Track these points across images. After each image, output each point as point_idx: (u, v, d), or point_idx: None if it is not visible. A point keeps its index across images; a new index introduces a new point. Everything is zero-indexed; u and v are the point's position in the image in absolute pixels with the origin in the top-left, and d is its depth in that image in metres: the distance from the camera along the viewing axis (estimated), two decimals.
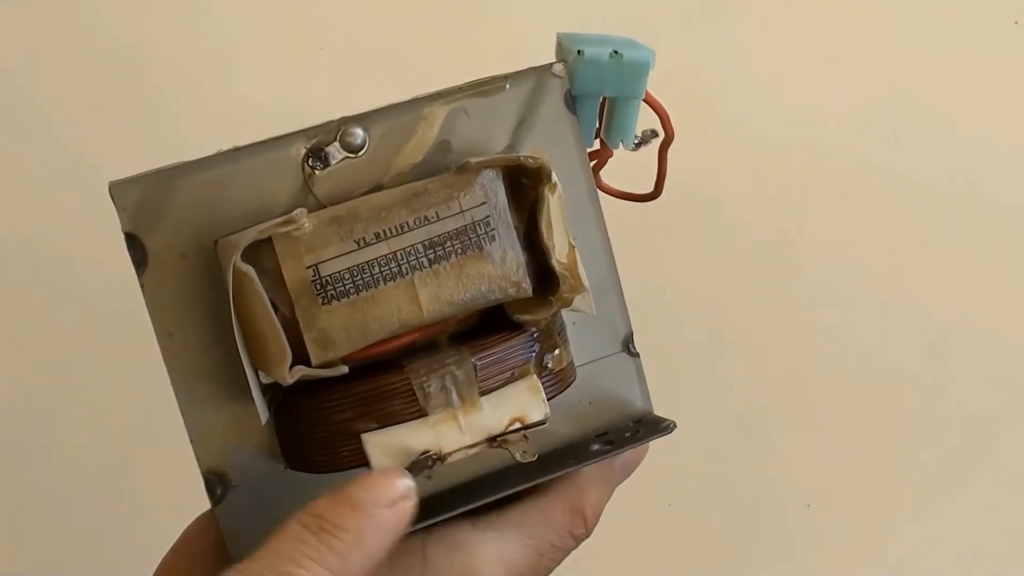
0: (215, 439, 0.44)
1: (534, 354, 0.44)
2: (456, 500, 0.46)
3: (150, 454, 0.77)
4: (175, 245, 0.43)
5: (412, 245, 0.43)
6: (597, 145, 0.48)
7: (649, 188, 0.50)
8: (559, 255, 0.44)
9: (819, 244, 0.87)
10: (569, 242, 0.44)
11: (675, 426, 0.48)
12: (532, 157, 0.44)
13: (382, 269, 0.42)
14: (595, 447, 0.47)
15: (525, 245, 0.44)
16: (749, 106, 0.87)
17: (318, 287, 0.42)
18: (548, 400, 0.44)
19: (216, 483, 0.44)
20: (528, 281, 0.44)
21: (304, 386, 0.42)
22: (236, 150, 0.44)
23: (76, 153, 0.86)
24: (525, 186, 0.44)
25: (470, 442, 0.43)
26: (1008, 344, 0.86)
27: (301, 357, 0.42)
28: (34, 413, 0.84)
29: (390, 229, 0.42)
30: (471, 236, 0.43)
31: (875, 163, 0.87)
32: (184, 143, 0.85)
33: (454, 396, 0.43)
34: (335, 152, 0.44)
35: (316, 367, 0.42)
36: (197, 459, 0.44)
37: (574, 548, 0.47)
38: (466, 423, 0.43)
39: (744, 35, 0.88)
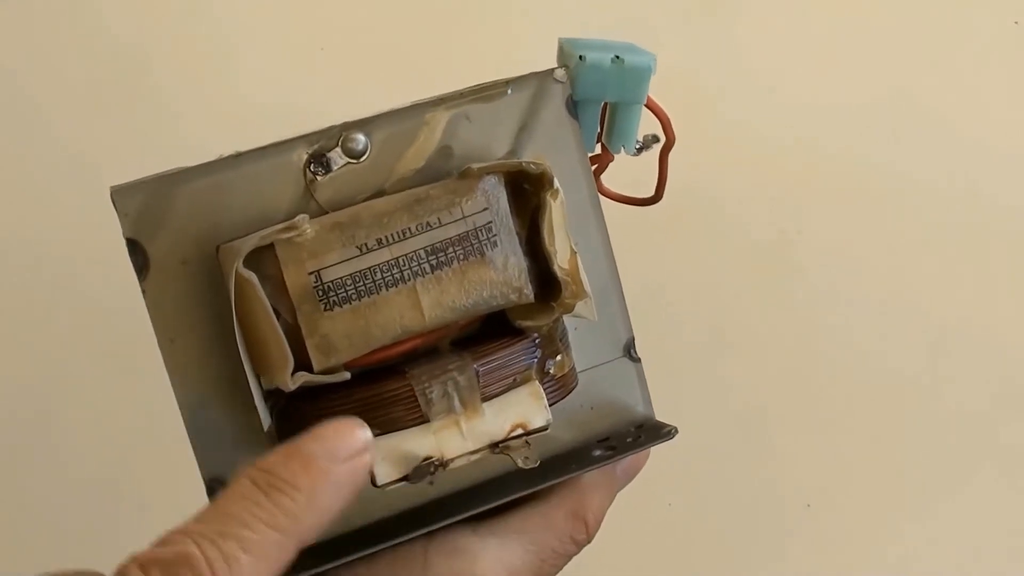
0: (217, 445, 0.44)
1: (536, 360, 0.44)
2: (458, 506, 0.46)
3: (151, 455, 0.77)
4: (177, 251, 0.43)
5: (414, 251, 0.43)
6: (598, 150, 0.48)
7: (650, 192, 0.50)
8: (561, 261, 0.44)
9: (819, 244, 0.87)
10: (571, 248, 0.44)
11: (676, 431, 0.48)
12: (534, 163, 0.44)
13: (384, 275, 0.42)
14: (597, 452, 0.47)
15: (527, 251, 0.44)
16: (749, 106, 0.87)
17: (320, 293, 0.42)
18: (550, 406, 0.44)
19: (219, 489, 0.44)
20: (530, 287, 0.44)
21: (306, 392, 0.42)
22: (238, 155, 0.44)
23: (76, 153, 0.86)
24: (527, 192, 0.44)
25: (472, 448, 0.43)
26: (1008, 344, 0.86)
27: (303, 363, 0.42)
28: (35, 413, 0.84)
29: (392, 235, 0.42)
30: (473, 242, 0.43)
31: (875, 163, 0.87)
32: (184, 143, 0.85)
33: (456, 402, 0.43)
34: (337, 158, 0.44)
35: (318, 373, 0.42)
36: (199, 465, 0.44)
37: (576, 554, 0.47)
38: (468, 429, 0.43)
39: (744, 35, 0.88)
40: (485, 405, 0.43)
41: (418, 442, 0.42)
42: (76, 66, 0.87)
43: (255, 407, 0.43)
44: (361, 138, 0.44)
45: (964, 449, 0.85)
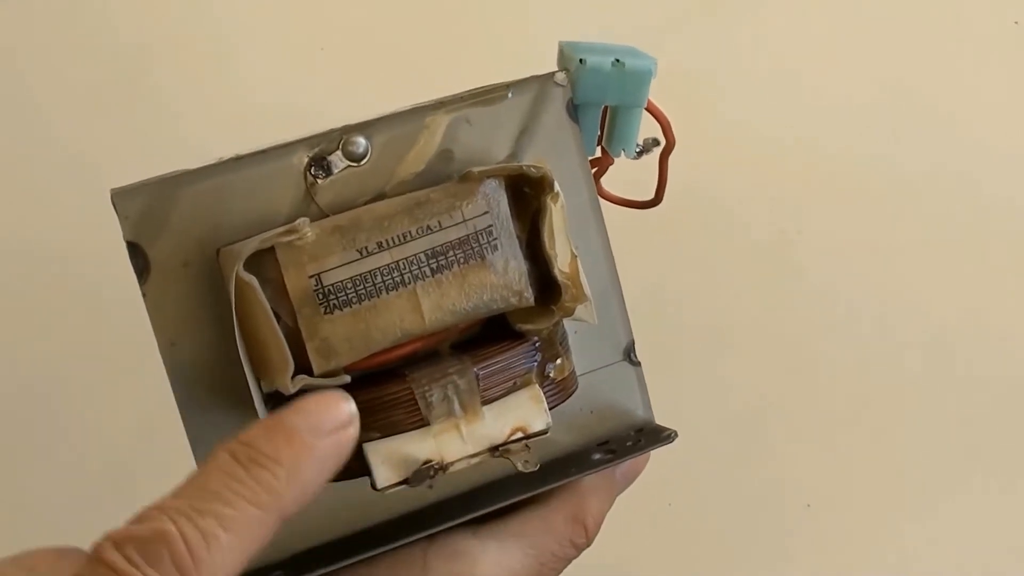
0: None
1: (536, 363, 0.44)
2: (457, 509, 0.46)
3: (151, 457, 0.77)
4: (177, 254, 0.43)
5: (414, 254, 0.43)
6: (599, 153, 0.48)
7: (650, 195, 0.50)
8: (561, 264, 0.44)
9: (819, 244, 0.87)
10: (571, 251, 0.44)
11: (676, 435, 0.48)
12: (535, 167, 0.44)
13: (384, 278, 0.42)
14: (596, 456, 0.48)
15: (527, 254, 0.44)
16: (749, 106, 0.87)
17: (320, 296, 0.42)
18: (550, 409, 0.44)
19: None
20: (530, 290, 0.44)
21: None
22: (238, 158, 0.44)
23: (76, 153, 0.86)
24: (527, 195, 0.44)
25: (472, 451, 0.43)
26: (1009, 344, 0.86)
27: (303, 366, 0.42)
28: (35, 414, 0.84)
29: (392, 238, 0.42)
30: (473, 245, 0.43)
31: (875, 163, 0.87)
32: (184, 143, 0.85)
33: (456, 406, 0.43)
34: (337, 161, 0.44)
35: (318, 376, 0.42)
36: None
37: (575, 557, 0.47)
38: (468, 432, 0.43)
39: (744, 35, 0.88)
40: (485, 408, 0.43)
41: (418, 445, 0.42)
42: (76, 66, 0.87)
43: (255, 410, 0.43)
44: (362, 141, 0.44)
45: (964, 449, 0.85)
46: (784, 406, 0.85)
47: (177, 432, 0.45)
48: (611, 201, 0.50)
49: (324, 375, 0.42)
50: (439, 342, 0.44)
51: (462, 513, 0.45)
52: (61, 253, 0.85)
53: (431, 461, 0.42)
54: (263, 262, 0.42)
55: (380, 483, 0.42)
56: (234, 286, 0.41)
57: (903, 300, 0.86)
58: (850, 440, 0.85)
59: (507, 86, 0.46)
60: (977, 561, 0.84)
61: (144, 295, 0.43)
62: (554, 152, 0.46)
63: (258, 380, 0.43)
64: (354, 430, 0.38)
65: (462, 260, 0.43)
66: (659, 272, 0.85)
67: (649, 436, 0.48)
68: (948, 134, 0.87)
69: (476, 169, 0.43)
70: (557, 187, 0.44)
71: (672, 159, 0.49)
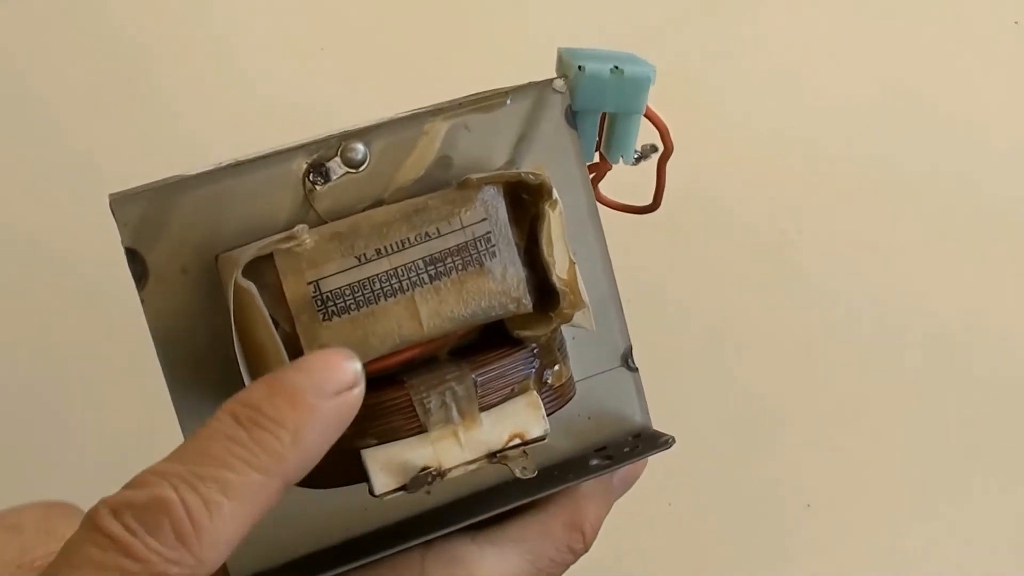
0: None
1: (534, 370, 0.44)
2: (455, 515, 0.46)
3: (150, 459, 0.78)
4: (176, 260, 0.43)
5: (413, 261, 0.43)
6: (597, 159, 0.48)
7: (648, 199, 0.50)
8: (559, 271, 0.44)
9: (819, 244, 0.87)
10: (569, 258, 0.44)
11: (674, 441, 0.48)
12: (533, 173, 0.44)
13: (383, 285, 0.42)
14: (594, 462, 0.48)
15: (525, 261, 0.44)
16: (749, 106, 0.87)
17: (319, 303, 0.42)
18: (548, 415, 0.44)
19: None
20: (528, 297, 0.44)
21: None
22: (237, 164, 0.44)
23: (75, 153, 0.86)
24: (526, 202, 0.44)
25: (470, 458, 0.43)
26: (1009, 343, 0.86)
27: None
28: (35, 414, 0.84)
29: (391, 245, 0.42)
30: (472, 252, 0.43)
31: (875, 163, 0.87)
32: (185, 143, 0.85)
33: (454, 412, 0.43)
34: (336, 167, 0.44)
35: None
36: None
37: (573, 563, 0.47)
38: (466, 439, 0.43)
39: (744, 35, 0.88)
40: (483, 415, 0.43)
41: (416, 452, 0.42)
42: (76, 67, 0.87)
43: None
44: (360, 148, 0.44)
45: (964, 449, 0.85)
46: (784, 406, 0.85)
47: (175, 435, 0.45)
48: (609, 206, 0.50)
49: None
50: (437, 348, 0.44)
51: (460, 519, 0.45)
52: (62, 253, 0.85)
53: (429, 468, 0.42)
54: (261, 268, 0.42)
55: (378, 489, 0.42)
56: (232, 292, 0.41)
57: (903, 300, 0.86)
58: (850, 440, 0.85)
59: (506, 92, 0.46)
60: (977, 561, 0.84)
61: (142, 301, 0.43)
62: (552, 159, 0.46)
63: None
64: (359, 391, 0.37)
65: (460, 267, 0.43)
66: (660, 271, 0.86)
67: (647, 442, 0.48)
68: (948, 134, 0.87)
69: (474, 176, 0.43)
70: (555, 194, 0.44)
71: (672, 158, 0.49)
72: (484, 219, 0.43)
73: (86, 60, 0.87)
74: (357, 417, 0.41)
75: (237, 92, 0.88)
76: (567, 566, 0.47)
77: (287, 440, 0.35)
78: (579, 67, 0.45)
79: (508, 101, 0.45)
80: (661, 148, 0.48)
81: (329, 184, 0.44)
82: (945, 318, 0.86)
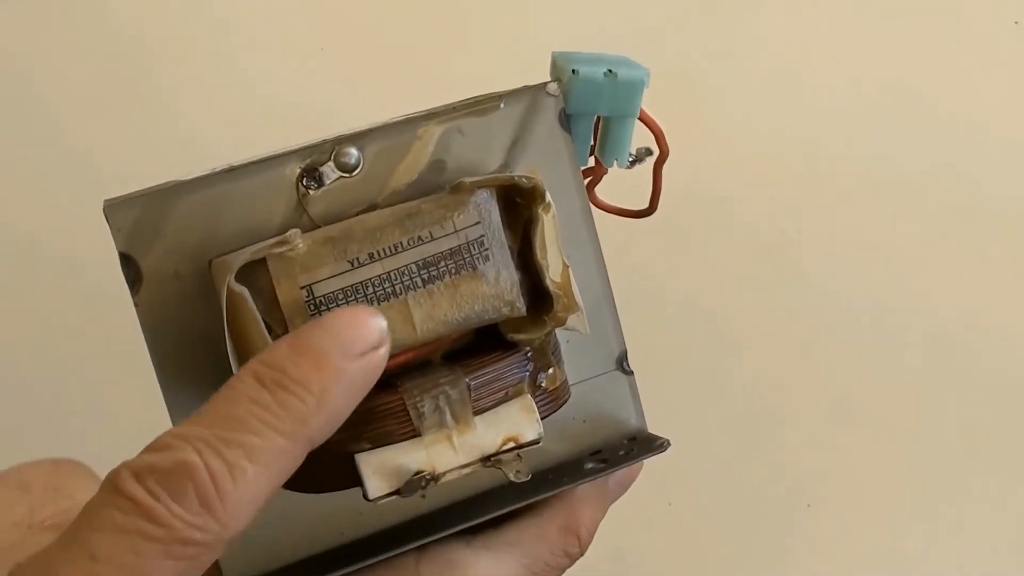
0: None
1: (528, 373, 0.44)
2: (450, 519, 0.46)
3: None
4: (169, 265, 0.43)
5: (406, 265, 0.43)
6: (592, 162, 0.48)
7: (646, 202, 0.50)
8: (553, 274, 0.44)
9: (819, 244, 0.87)
10: (563, 261, 0.44)
11: (668, 444, 0.48)
12: (526, 177, 0.44)
13: (376, 289, 0.42)
14: (589, 465, 0.48)
15: (519, 264, 0.44)
16: (749, 106, 0.87)
17: (312, 307, 0.42)
18: (542, 419, 0.44)
19: None
20: (522, 300, 0.44)
21: None
22: (231, 169, 0.44)
23: (76, 153, 0.86)
24: (519, 205, 0.44)
25: (464, 462, 0.43)
26: (1009, 343, 0.86)
27: None
28: (33, 413, 0.84)
29: (384, 249, 0.42)
30: (465, 256, 0.43)
31: (875, 163, 0.87)
32: (184, 143, 0.85)
33: (448, 416, 0.43)
34: (329, 172, 0.44)
35: None
36: None
37: (568, 567, 0.47)
38: (460, 443, 0.43)
39: (744, 35, 0.88)
40: (477, 419, 0.43)
41: (410, 456, 0.42)
42: (75, 67, 0.87)
43: None
44: (353, 152, 0.44)
45: (964, 449, 0.85)
46: (784, 406, 0.85)
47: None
48: (605, 210, 0.50)
49: None
50: (431, 352, 0.44)
51: (455, 523, 0.45)
52: (62, 252, 0.85)
53: (423, 472, 0.42)
54: (255, 273, 0.42)
55: (372, 494, 0.42)
56: (226, 297, 0.41)
57: (903, 300, 0.86)
58: (850, 440, 0.85)
59: (499, 96, 0.45)
60: (977, 561, 0.84)
61: (136, 306, 0.43)
62: (546, 162, 0.46)
63: None
64: (385, 350, 0.36)
65: (454, 271, 0.43)
66: (660, 271, 0.86)
67: (642, 445, 0.48)
68: (948, 134, 0.87)
69: (468, 180, 0.43)
70: (549, 197, 0.44)
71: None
72: (477, 223, 0.43)
73: (86, 60, 0.87)
74: (351, 421, 0.41)
75: (237, 92, 0.88)
76: (563, 570, 0.47)
77: (312, 403, 0.35)
78: (573, 71, 0.45)
79: (502, 105, 0.45)
80: (656, 152, 0.48)
81: (323, 189, 0.44)
82: (945, 318, 0.86)
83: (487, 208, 0.44)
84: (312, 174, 0.44)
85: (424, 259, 0.43)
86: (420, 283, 0.43)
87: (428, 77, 0.86)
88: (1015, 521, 0.84)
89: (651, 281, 0.84)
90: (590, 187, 0.49)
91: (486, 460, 0.43)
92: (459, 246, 0.43)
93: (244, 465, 0.34)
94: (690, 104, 0.86)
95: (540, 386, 0.45)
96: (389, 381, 0.43)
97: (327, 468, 0.42)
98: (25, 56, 0.87)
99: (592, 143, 0.48)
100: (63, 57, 0.87)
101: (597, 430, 0.49)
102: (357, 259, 0.42)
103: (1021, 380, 0.86)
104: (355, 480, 0.42)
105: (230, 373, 0.42)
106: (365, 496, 0.42)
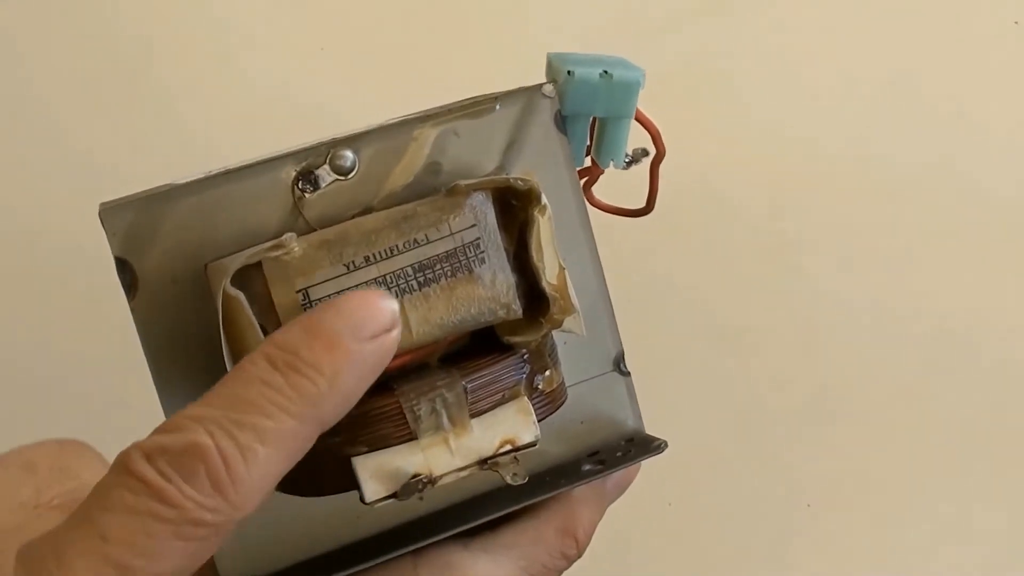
0: None
1: (524, 376, 0.44)
2: (448, 522, 0.46)
3: None
4: (165, 269, 0.43)
5: (402, 268, 0.43)
6: (588, 163, 0.48)
7: (642, 202, 0.50)
8: (549, 276, 0.44)
9: (818, 243, 0.86)
10: (559, 263, 0.44)
11: (666, 446, 0.48)
12: (522, 179, 0.44)
13: None
14: (587, 467, 0.48)
15: (515, 267, 0.44)
16: (749, 105, 0.87)
17: (308, 311, 0.42)
18: (539, 421, 0.44)
19: None
20: (518, 303, 0.44)
21: None
22: (226, 172, 0.44)
23: (75, 153, 0.86)
24: (515, 207, 0.44)
25: (460, 465, 0.43)
26: (1010, 343, 0.86)
27: None
28: (33, 412, 0.84)
29: (380, 252, 0.42)
30: (461, 259, 0.43)
31: (876, 163, 0.87)
32: (183, 143, 0.85)
33: (444, 419, 0.43)
34: (325, 175, 0.44)
35: None
36: None
37: (566, 569, 0.47)
38: (456, 446, 0.43)
39: (744, 35, 0.88)
40: (473, 421, 0.43)
41: (406, 459, 0.42)
42: (75, 68, 0.87)
43: None
44: (349, 155, 0.44)
45: (965, 449, 0.85)
46: (784, 406, 0.85)
47: None
48: (602, 209, 0.50)
49: None
50: (427, 355, 0.44)
51: (452, 526, 0.45)
52: (61, 252, 0.85)
53: (420, 475, 0.42)
54: (250, 277, 0.42)
55: (369, 497, 0.42)
56: (221, 301, 0.41)
57: (904, 300, 0.86)
58: (850, 440, 0.85)
59: (495, 98, 0.45)
60: (977, 561, 0.83)
61: (132, 311, 0.43)
62: (542, 164, 0.46)
63: None
64: (397, 333, 0.36)
65: (449, 273, 0.43)
66: (660, 270, 0.86)
67: (639, 446, 0.48)
68: (948, 134, 0.86)
69: (463, 182, 0.43)
70: (544, 199, 0.44)
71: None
72: (473, 225, 0.43)
73: (85, 61, 0.87)
74: (348, 424, 0.41)
75: (237, 92, 0.88)
76: (560, 572, 0.47)
77: (324, 386, 0.35)
78: (568, 72, 0.45)
79: (497, 107, 0.45)
80: (653, 152, 0.48)
81: (318, 192, 0.44)
82: (945, 317, 0.86)
83: (483, 211, 0.44)
84: (308, 177, 0.44)
85: (420, 262, 0.43)
86: (416, 286, 0.43)
87: (429, 77, 0.86)
88: (1015, 521, 0.84)
89: (648, 281, 0.84)
90: (587, 187, 0.49)
91: (483, 463, 0.43)
92: (455, 249, 0.43)
93: (256, 447, 0.34)
94: (689, 104, 0.86)
95: (537, 388, 0.45)
96: (386, 384, 0.43)
97: (324, 471, 0.42)
98: (23, 57, 0.87)
99: (588, 143, 0.48)
100: (61, 57, 0.87)
101: (594, 431, 0.49)
102: (353, 262, 0.42)
103: (1022, 380, 0.85)
104: (352, 483, 0.42)
105: None
106: (362, 499, 0.42)
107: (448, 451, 0.42)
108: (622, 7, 0.89)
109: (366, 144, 0.44)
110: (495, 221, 0.44)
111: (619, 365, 0.49)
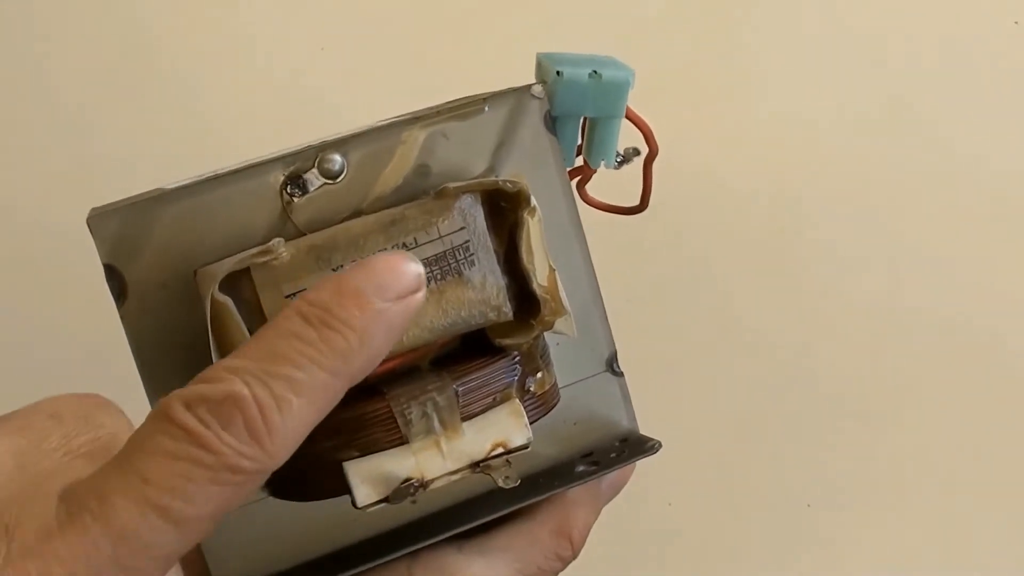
0: None
1: (516, 378, 0.44)
2: (442, 524, 0.46)
3: None
4: (155, 276, 0.43)
5: None
6: (580, 162, 0.48)
7: (637, 200, 0.50)
8: (540, 278, 0.44)
9: (819, 244, 0.86)
10: (549, 265, 0.44)
11: (660, 446, 0.47)
12: (510, 181, 0.43)
13: None
14: (581, 468, 0.47)
15: (505, 269, 0.44)
16: (749, 106, 0.87)
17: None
18: (532, 423, 0.44)
19: None
20: (509, 305, 0.44)
21: None
22: (215, 178, 0.43)
23: (75, 153, 0.86)
24: (504, 209, 0.44)
25: (452, 468, 0.42)
26: (1010, 343, 0.86)
27: None
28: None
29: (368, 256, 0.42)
30: (450, 262, 0.43)
31: (875, 162, 0.86)
32: (183, 144, 0.85)
33: (436, 423, 0.42)
34: (313, 179, 0.44)
35: None
36: None
37: (561, 570, 0.47)
38: (448, 450, 0.42)
39: (744, 35, 0.88)
40: (465, 425, 0.43)
41: (398, 463, 0.42)
42: (73, 68, 0.87)
43: None
44: (337, 158, 0.44)
45: (965, 448, 0.84)
46: (784, 406, 0.85)
47: None
48: (596, 207, 0.50)
49: None
50: (418, 359, 0.44)
51: (447, 528, 0.45)
52: (63, 250, 0.85)
53: (411, 479, 0.42)
54: (239, 282, 0.42)
55: (361, 502, 0.42)
56: (210, 307, 0.41)
57: (904, 300, 0.85)
58: (850, 440, 0.85)
59: (484, 99, 0.45)
60: (977, 561, 0.83)
61: (122, 317, 0.43)
62: (532, 165, 0.46)
63: None
64: (422, 295, 0.38)
65: (439, 276, 0.43)
66: (654, 269, 0.85)
67: (633, 447, 0.48)
68: (947, 134, 0.86)
69: (452, 185, 0.43)
70: (534, 201, 0.43)
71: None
72: (462, 228, 0.43)
73: (84, 61, 0.87)
74: (338, 429, 0.41)
75: (236, 92, 0.88)
76: (555, 573, 0.47)
77: (355, 341, 0.36)
78: (557, 72, 0.45)
79: (486, 108, 0.45)
80: (646, 150, 0.48)
81: (307, 196, 0.44)
82: (946, 317, 0.85)
83: (472, 213, 0.43)
84: (296, 181, 0.44)
85: None
86: None
87: (429, 78, 0.86)
88: (1015, 521, 0.84)
89: (643, 279, 0.84)
90: (580, 185, 0.49)
91: (475, 466, 0.43)
92: (444, 252, 0.43)
93: (290, 398, 0.35)
94: (689, 103, 0.86)
95: (529, 390, 0.44)
96: (376, 388, 0.43)
97: (317, 476, 0.42)
98: (22, 55, 0.87)
99: (580, 143, 0.47)
100: (60, 57, 0.87)
101: (588, 432, 0.49)
102: (341, 267, 0.42)
103: (1022, 380, 0.85)
104: (344, 488, 0.42)
105: None
106: (354, 504, 0.42)
107: (440, 455, 0.42)
108: (623, 8, 0.89)
109: (354, 147, 0.44)
110: (484, 223, 0.44)
111: (612, 365, 0.49)
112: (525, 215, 0.43)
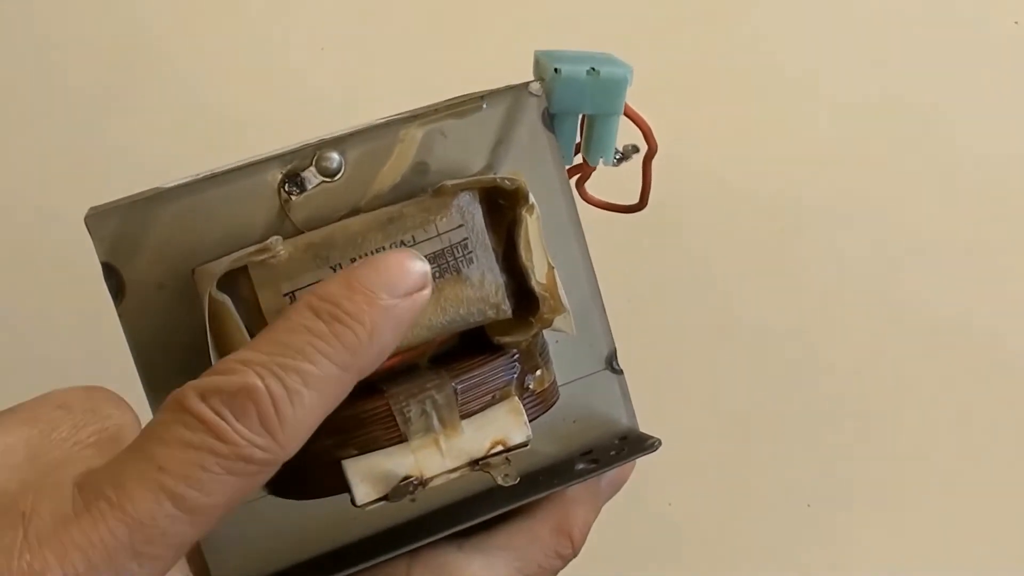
0: None
1: (515, 376, 0.44)
2: (441, 523, 0.45)
3: None
4: (153, 274, 0.43)
5: None
6: (579, 160, 0.48)
7: (636, 197, 0.50)
8: (538, 276, 0.44)
9: (819, 244, 0.86)
10: (548, 262, 0.44)
11: (660, 444, 0.47)
12: (508, 178, 0.43)
13: None
14: (580, 466, 0.47)
15: (504, 267, 0.44)
16: (749, 104, 0.87)
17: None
18: (531, 421, 0.44)
19: None
20: (507, 303, 0.44)
21: None
22: (212, 176, 0.43)
23: (74, 153, 0.86)
24: (503, 207, 0.44)
25: (451, 466, 0.42)
26: (1010, 343, 0.85)
27: None
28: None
29: (366, 255, 0.42)
30: (449, 259, 0.43)
31: (875, 163, 0.86)
32: (183, 145, 0.85)
33: (435, 421, 0.42)
34: (311, 177, 0.44)
35: None
36: None
37: (561, 568, 0.47)
38: (447, 448, 0.42)
39: (744, 33, 0.88)
40: (464, 423, 0.43)
41: (397, 461, 0.42)
42: (72, 68, 0.87)
43: None
44: (335, 156, 0.44)
45: (965, 448, 0.84)
46: (784, 406, 0.85)
47: None
48: (595, 205, 0.50)
49: None
50: (417, 356, 0.44)
51: (446, 527, 0.45)
52: (62, 249, 0.85)
53: (411, 477, 0.42)
54: (237, 281, 0.42)
55: (360, 500, 0.42)
56: (208, 306, 0.41)
57: (904, 300, 0.85)
58: (850, 440, 0.84)
59: (481, 97, 0.45)
60: (977, 561, 0.83)
61: (120, 316, 0.43)
62: (530, 163, 0.46)
63: None
64: (428, 291, 0.39)
65: (437, 274, 0.43)
66: (654, 266, 0.85)
67: (633, 445, 0.48)
68: (947, 134, 0.86)
69: (450, 182, 0.43)
70: (532, 199, 0.43)
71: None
72: (460, 226, 0.43)
73: (84, 61, 0.87)
74: (337, 427, 0.41)
75: (236, 91, 0.88)
76: (556, 572, 0.47)
77: (364, 336, 0.37)
78: (555, 69, 0.45)
79: (484, 105, 0.45)
80: (645, 148, 0.48)
81: (305, 194, 0.44)
82: (946, 317, 0.85)
83: (470, 211, 0.43)
84: (294, 179, 0.44)
85: None
86: None
87: (429, 78, 0.86)
88: (1015, 521, 0.84)
89: (642, 277, 0.84)
90: (579, 183, 0.49)
91: (474, 464, 0.43)
92: (442, 249, 0.43)
93: (302, 391, 0.36)
94: (688, 102, 0.85)
95: (528, 388, 0.44)
96: (375, 386, 0.43)
97: (316, 474, 0.42)
98: (21, 56, 0.87)
99: (578, 141, 0.47)
100: (59, 57, 0.87)
101: (588, 430, 0.48)
102: (339, 265, 0.42)
103: (1022, 379, 0.85)
104: (343, 486, 0.42)
105: None
106: (353, 502, 0.42)
107: (439, 453, 0.42)
108: (624, 8, 0.88)
109: (352, 145, 0.44)
110: (483, 221, 0.43)
111: (611, 363, 0.49)
112: (523, 212, 0.43)
